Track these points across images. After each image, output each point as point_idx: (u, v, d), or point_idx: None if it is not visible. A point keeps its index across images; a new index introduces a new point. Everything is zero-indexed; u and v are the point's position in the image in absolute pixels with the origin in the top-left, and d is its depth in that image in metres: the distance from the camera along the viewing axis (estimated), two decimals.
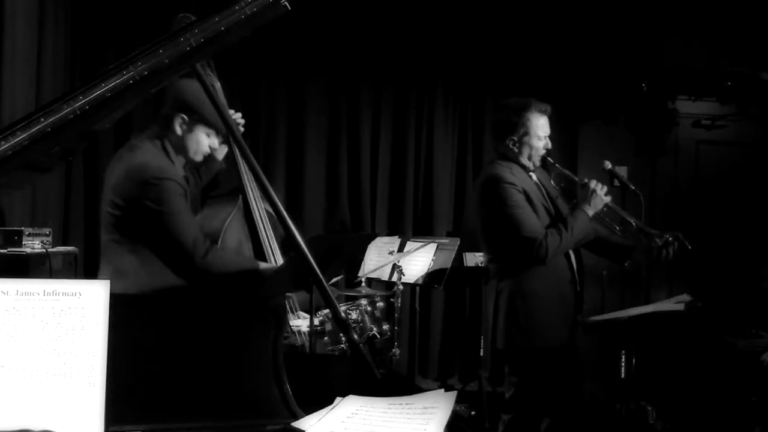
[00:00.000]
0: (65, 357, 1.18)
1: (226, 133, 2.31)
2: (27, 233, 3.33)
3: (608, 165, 3.12)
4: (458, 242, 3.95)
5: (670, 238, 2.88)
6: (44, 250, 3.34)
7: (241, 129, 2.49)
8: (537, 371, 2.83)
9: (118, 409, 1.21)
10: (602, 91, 5.47)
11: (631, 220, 2.98)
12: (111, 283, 2.06)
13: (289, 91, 5.21)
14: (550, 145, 2.96)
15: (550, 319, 2.81)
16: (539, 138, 2.91)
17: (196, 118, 2.25)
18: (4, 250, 3.21)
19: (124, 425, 1.24)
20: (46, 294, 1.18)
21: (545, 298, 2.81)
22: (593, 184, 2.88)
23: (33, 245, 3.33)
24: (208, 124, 2.27)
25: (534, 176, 2.97)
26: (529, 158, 2.93)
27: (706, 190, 5.75)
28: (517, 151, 2.91)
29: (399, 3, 5.25)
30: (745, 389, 3.80)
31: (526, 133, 2.90)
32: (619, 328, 2.88)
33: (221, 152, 2.55)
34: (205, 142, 2.31)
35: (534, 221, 2.80)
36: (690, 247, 2.87)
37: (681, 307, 2.76)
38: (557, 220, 2.87)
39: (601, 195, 2.87)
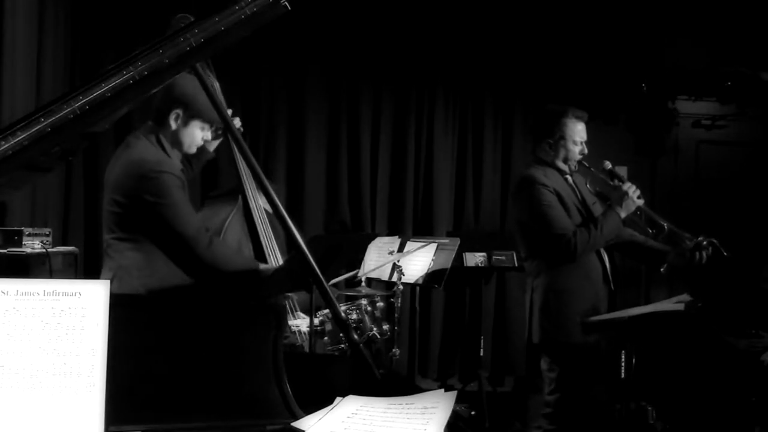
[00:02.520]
0: (65, 357, 1.18)
1: (223, 128, 2.32)
2: (27, 233, 3.33)
3: (608, 165, 3.14)
4: (458, 242, 3.94)
5: (705, 243, 2.94)
6: (44, 250, 3.33)
7: (240, 129, 2.50)
8: (573, 364, 2.92)
9: (118, 409, 1.21)
10: (602, 91, 5.47)
11: (663, 223, 3.05)
12: (115, 281, 2.10)
13: (289, 91, 5.21)
14: (586, 151, 3.06)
15: (581, 315, 2.88)
16: (575, 143, 3.02)
17: (191, 113, 2.26)
18: (4, 250, 3.20)
19: (124, 425, 1.24)
20: (46, 294, 1.18)
21: (577, 295, 2.91)
22: (626, 186, 2.97)
23: (33, 245, 3.33)
24: (203, 118, 2.28)
25: (570, 179, 3.06)
26: (565, 162, 3.04)
27: (706, 190, 5.76)
28: (553, 154, 3.03)
29: (399, 4, 5.25)
30: (745, 389, 3.80)
31: (562, 138, 3.01)
32: (619, 328, 2.90)
33: (213, 144, 2.55)
34: (198, 135, 2.33)
35: (564, 219, 2.90)
36: (726, 254, 2.92)
37: (681, 307, 2.77)
38: (589, 221, 2.95)
39: (633, 197, 2.95)
